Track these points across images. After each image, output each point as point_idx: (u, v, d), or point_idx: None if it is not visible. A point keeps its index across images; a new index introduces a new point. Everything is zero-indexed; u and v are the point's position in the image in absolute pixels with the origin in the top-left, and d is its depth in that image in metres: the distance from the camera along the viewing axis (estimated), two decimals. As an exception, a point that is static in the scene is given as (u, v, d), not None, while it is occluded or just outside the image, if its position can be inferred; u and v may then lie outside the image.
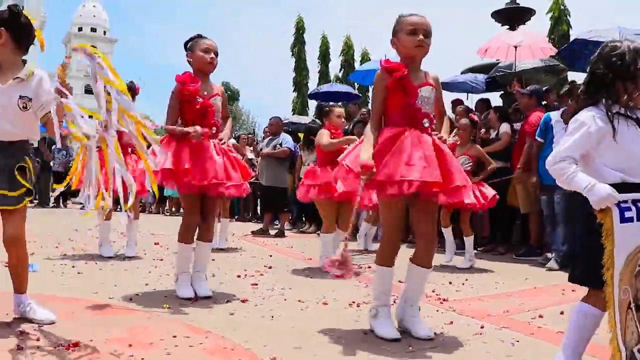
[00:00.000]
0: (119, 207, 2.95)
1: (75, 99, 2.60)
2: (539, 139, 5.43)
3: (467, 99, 9.11)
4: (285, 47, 24.98)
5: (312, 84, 23.14)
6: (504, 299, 3.62)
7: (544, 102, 6.16)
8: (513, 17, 10.00)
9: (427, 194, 2.55)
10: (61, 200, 13.79)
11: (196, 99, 3.35)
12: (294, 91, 24.08)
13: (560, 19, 14.56)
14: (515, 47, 7.33)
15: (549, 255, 5.33)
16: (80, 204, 8.47)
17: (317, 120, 7.37)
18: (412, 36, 2.58)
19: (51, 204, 13.74)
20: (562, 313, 3.13)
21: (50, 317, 2.63)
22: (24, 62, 2.56)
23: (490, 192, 5.11)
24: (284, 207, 8.29)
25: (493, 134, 6.36)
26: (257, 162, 9.04)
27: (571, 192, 1.96)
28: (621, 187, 1.82)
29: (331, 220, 4.83)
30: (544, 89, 6.33)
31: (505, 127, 6.21)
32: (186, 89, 3.33)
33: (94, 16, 55.57)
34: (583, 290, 1.98)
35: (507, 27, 9.93)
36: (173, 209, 13.14)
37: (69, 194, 12.79)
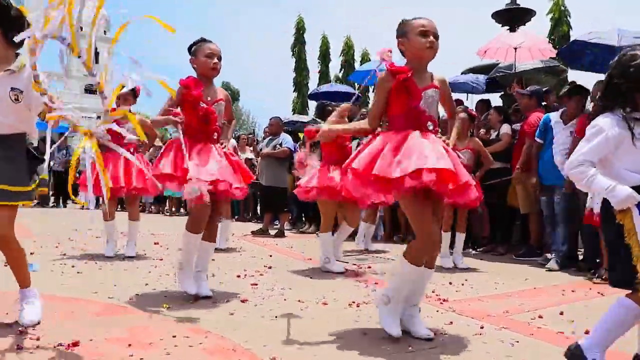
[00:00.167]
0: (119, 207, 2.95)
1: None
2: (538, 140, 5.43)
3: (467, 99, 9.12)
4: (285, 47, 25.05)
5: (312, 84, 23.18)
6: (504, 299, 3.62)
7: (543, 103, 6.17)
8: (513, 17, 10.01)
9: (439, 191, 2.52)
10: (61, 200, 13.79)
11: (199, 104, 3.35)
12: (294, 91, 24.12)
13: (560, 20, 14.59)
14: (515, 48, 7.34)
15: (549, 255, 5.33)
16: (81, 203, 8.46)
17: (317, 119, 7.37)
18: (424, 37, 2.58)
19: (51, 204, 13.74)
20: (562, 313, 3.13)
21: (31, 318, 2.54)
22: (17, 55, 2.54)
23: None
24: (284, 207, 8.29)
25: (493, 135, 6.36)
26: (257, 162, 9.04)
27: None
28: None
29: (330, 219, 4.84)
30: (543, 89, 6.33)
31: (506, 128, 6.22)
32: (190, 93, 3.31)
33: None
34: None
35: (508, 27, 9.94)
36: (173, 209, 13.14)
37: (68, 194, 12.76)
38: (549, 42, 8.53)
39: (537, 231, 5.82)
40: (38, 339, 2.34)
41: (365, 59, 21.76)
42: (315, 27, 26.42)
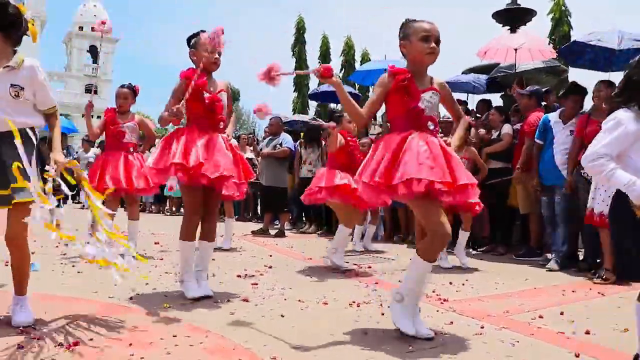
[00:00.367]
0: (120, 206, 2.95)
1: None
2: (538, 141, 5.43)
3: (468, 99, 9.11)
4: (285, 47, 25.02)
5: (313, 84, 23.15)
6: (504, 299, 3.62)
7: (543, 103, 6.17)
8: (514, 18, 9.99)
9: (435, 194, 2.54)
10: (61, 200, 13.77)
11: (204, 93, 3.36)
12: (294, 91, 24.09)
13: (561, 20, 14.57)
14: (516, 49, 7.33)
15: (549, 255, 5.33)
16: (81, 203, 8.45)
17: (317, 119, 7.36)
18: (425, 43, 2.61)
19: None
20: (562, 313, 3.13)
21: (23, 319, 2.53)
22: (15, 52, 2.53)
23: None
24: (284, 207, 8.28)
25: (495, 135, 6.36)
26: (257, 162, 9.04)
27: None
28: None
29: (348, 215, 4.89)
30: (543, 89, 6.33)
31: (507, 128, 6.21)
32: (195, 82, 3.25)
33: (95, 15, 55.48)
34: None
35: (508, 28, 9.92)
36: (173, 209, 13.13)
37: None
38: (549, 42, 8.50)
39: (537, 231, 5.82)
40: (38, 339, 2.34)
41: (365, 59, 21.72)
42: (316, 27, 26.39)
